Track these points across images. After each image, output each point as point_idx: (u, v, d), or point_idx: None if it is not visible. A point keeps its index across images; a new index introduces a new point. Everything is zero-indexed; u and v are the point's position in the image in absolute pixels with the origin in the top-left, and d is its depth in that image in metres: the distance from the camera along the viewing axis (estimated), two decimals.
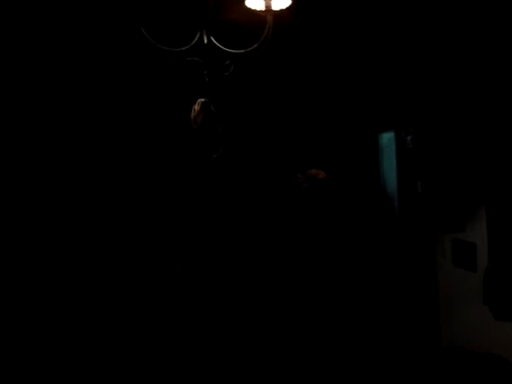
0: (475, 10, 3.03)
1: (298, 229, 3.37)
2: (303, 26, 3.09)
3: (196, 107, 2.21)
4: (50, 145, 2.95)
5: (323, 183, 3.11)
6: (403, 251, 3.62)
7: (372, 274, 3.54)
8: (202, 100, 2.23)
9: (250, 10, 2.24)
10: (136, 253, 3.01)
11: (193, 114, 2.21)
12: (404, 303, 3.59)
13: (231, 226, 3.16)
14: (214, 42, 2.24)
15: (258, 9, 2.22)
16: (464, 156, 3.37)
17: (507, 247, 3.07)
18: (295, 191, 3.33)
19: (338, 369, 3.27)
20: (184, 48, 2.21)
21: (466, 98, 3.29)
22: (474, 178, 3.30)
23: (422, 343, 3.54)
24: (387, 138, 3.71)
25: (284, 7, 2.24)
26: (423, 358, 3.42)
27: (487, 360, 3.05)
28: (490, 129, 3.17)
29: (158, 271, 2.97)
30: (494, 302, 3.15)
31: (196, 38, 2.21)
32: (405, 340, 3.53)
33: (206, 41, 2.22)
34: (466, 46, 3.17)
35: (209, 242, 3.05)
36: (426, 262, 3.61)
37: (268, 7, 2.19)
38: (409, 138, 3.66)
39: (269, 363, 3.15)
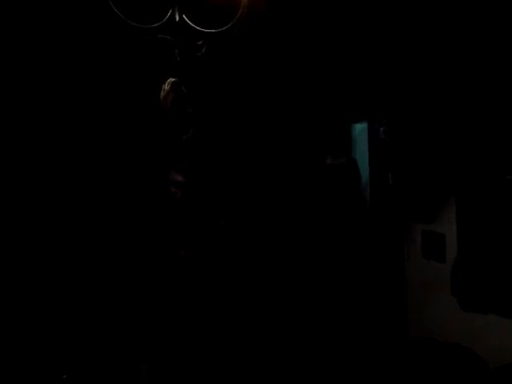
0: (447, 5, 3.04)
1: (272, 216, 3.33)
2: (279, 10, 3.03)
3: (166, 87, 2.13)
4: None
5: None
6: (373, 241, 3.62)
7: (344, 264, 3.53)
8: (173, 80, 2.16)
9: None
10: (140, 241, 2.93)
11: (162, 94, 2.13)
12: (373, 293, 3.59)
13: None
14: (187, 20, 2.17)
15: None
16: (435, 148, 3.39)
17: (476, 239, 3.10)
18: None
19: (308, 358, 3.26)
20: (155, 25, 2.13)
21: (437, 92, 3.30)
22: (444, 170, 3.31)
23: (390, 333, 3.55)
24: (360, 129, 3.70)
25: None
26: (391, 348, 3.44)
27: (453, 350, 3.07)
28: (460, 122, 3.18)
29: (162, 257, 2.90)
30: (462, 293, 3.18)
31: (167, 15, 2.14)
32: (373, 330, 3.54)
33: (177, 18, 2.15)
34: (437, 39, 3.17)
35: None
36: (395, 252, 3.63)
37: None
38: (381, 129, 3.66)
39: (248, 347, 3.12)
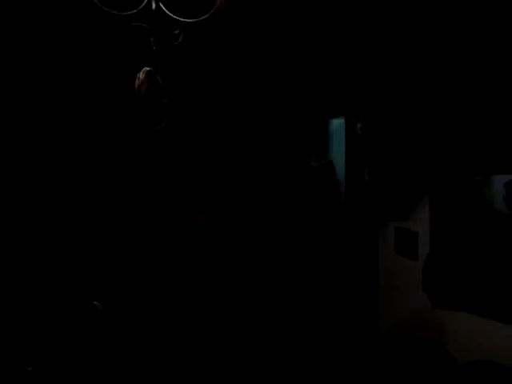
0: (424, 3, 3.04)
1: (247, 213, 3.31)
2: (258, 2, 3.00)
3: (141, 75, 2.09)
4: None
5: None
6: (347, 237, 3.63)
7: (317, 258, 3.53)
8: (148, 69, 2.12)
9: None
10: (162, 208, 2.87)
11: (137, 83, 2.09)
12: (346, 289, 3.61)
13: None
14: (163, 8, 2.12)
15: None
16: (410, 146, 3.41)
17: (447, 237, 3.13)
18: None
19: (276, 355, 3.25)
20: (130, 12, 2.08)
21: (413, 90, 3.32)
22: (418, 169, 3.34)
23: (362, 329, 3.58)
24: (337, 124, 3.70)
25: None
26: (362, 344, 3.46)
27: (423, 346, 3.10)
28: (434, 123, 3.21)
29: (184, 225, 2.85)
30: (433, 289, 3.21)
31: (144, 3, 2.09)
32: (345, 326, 3.56)
33: (154, 6, 2.11)
34: (414, 36, 3.18)
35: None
36: (368, 248, 3.65)
37: None
38: (358, 125, 3.66)
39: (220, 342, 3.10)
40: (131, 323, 2.79)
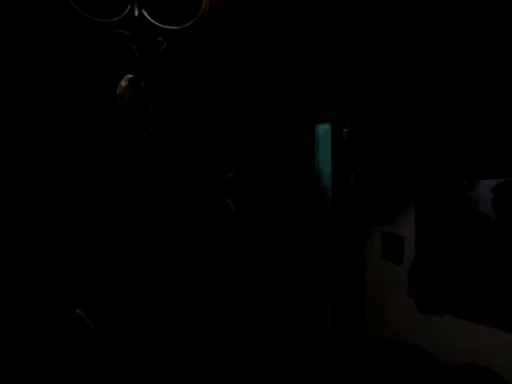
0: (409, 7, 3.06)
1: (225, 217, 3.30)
2: (242, 8, 3.00)
3: (123, 83, 2.08)
4: None
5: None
6: (334, 242, 3.64)
7: (303, 263, 3.53)
8: (130, 76, 2.11)
9: None
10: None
11: (119, 90, 2.08)
12: (332, 294, 3.61)
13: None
14: (146, 15, 2.12)
15: None
16: (395, 151, 3.42)
17: (433, 242, 3.15)
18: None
19: (261, 357, 3.25)
20: (112, 19, 2.07)
21: (398, 96, 3.33)
22: (405, 173, 3.35)
23: (349, 333, 3.58)
24: (323, 130, 3.71)
25: None
26: (349, 348, 3.46)
27: (409, 351, 3.12)
28: (421, 126, 3.22)
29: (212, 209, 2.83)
30: (418, 294, 3.23)
31: (126, 10, 2.08)
32: (332, 330, 3.56)
33: (136, 13, 2.10)
34: (399, 41, 3.19)
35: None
36: (355, 253, 3.65)
37: None
38: (344, 130, 3.68)
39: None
40: (121, 330, 2.78)
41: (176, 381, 2.93)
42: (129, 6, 2.08)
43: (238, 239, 3.30)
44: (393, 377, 3.08)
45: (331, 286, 3.60)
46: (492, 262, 2.74)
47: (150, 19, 2.12)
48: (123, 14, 2.08)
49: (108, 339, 2.69)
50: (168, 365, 2.93)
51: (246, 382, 3.14)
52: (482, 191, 2.85)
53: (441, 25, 2.94)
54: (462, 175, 2.96)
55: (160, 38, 2.19)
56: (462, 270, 2.93)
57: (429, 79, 3.11)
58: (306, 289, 3.51)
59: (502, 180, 2.71)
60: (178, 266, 3.07)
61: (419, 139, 3.23)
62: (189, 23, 2.18)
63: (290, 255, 3.49)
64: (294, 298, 3.47)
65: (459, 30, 2.86)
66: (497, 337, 2.67)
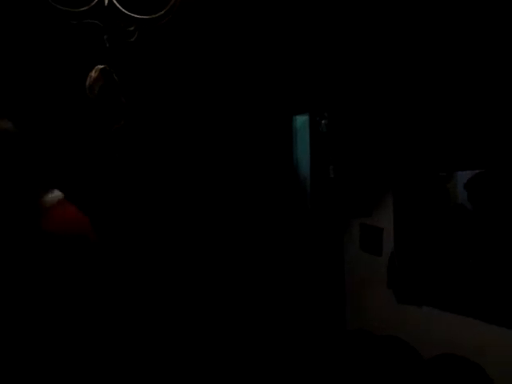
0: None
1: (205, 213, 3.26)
2: None
3: (93, 74, 2.03)
4: None
5: None
6: (313, 234, 3.62)
7: (283, 257, 3.51)
8: (101, 67, 2.05)
9: None
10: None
11: (88, 82, 2.02)
12: (311, 287, 3.60)
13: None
14: (116, 4, 2.07)
15: None
16: (373, 143, 3.42)
17: (411, 233, 3.15)
18: None
19: (243, 353, 3.23)
20: (82, 9, 2.01)
21: (376, 87, 3.32)
22: (383, 166, 3.35)
23: (328, 326, 3.58)
24: (301, 121, 3.67)
25: None
26: (328, 342, 3.46)
27: (389, 342, 3.12)
28: (398, 119, 3.22)
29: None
30: (397, 285, 3.23)
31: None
32: (311, 324, 3.55)
33: (106, 3, 2.05)
34: (376, 33, 3.18)
35: None
36: (334, 245, 3.65)
37: None
38: (323, 122, 3.65)
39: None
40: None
41: (175, 381, 2.91)
42: None
43: None
44: (373, 369, 3.09)
45: (309, 279, 3.58)
46: (470, 252, 2.75)
47: (120, 8, 2.07)
48: (92, 4, 2.03)
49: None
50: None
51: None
52: (459, 182, 2.86)
53: (417, 14, 2.94)
54: (440, 166, 2.96)
55: (131, 28, 2.14)
56: (440, 261, 2.94)
57: (407, 71, 3.10)
58: (283, 282, 3.49)
59: (476, 171, 2.72)
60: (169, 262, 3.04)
61: (397, 131, 3.23)
62: (161, 12, 2.14)
63: (268, 248, 3.46)
64: (271, 292, 3.45)
65: (437, 21, 2.85)
66: (475, 327, 2.69)
